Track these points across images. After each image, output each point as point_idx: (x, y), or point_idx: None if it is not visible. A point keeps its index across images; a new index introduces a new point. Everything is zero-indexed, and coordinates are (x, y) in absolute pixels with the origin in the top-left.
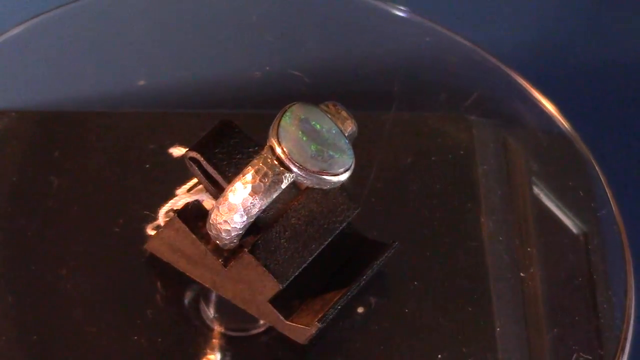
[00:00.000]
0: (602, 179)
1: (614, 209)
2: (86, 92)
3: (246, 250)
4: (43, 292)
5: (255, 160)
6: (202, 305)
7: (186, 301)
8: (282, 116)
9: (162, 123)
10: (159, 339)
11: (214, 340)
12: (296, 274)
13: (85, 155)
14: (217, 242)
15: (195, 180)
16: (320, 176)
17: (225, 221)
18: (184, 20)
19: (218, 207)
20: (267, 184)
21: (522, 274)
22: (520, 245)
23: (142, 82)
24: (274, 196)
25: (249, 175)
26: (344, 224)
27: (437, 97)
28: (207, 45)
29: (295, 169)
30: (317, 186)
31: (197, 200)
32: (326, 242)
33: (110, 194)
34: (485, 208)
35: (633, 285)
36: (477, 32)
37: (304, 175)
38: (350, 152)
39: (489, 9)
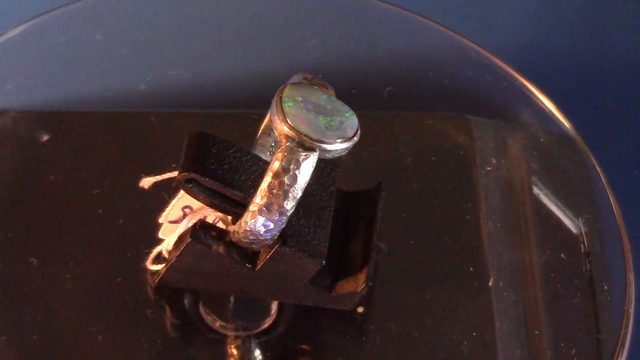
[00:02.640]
0: (602, 178)
1: (614, 208)
2: (86, 92)
3: (277, 244)
4: (43, 292)
5: (279, 154)
6: (202, 306)
7: (186, 301)
8: (281, 103)
9: (163, 123)
10: (159, 339)
11: (213, 341)
12: (327, 246)
13: (85, 155)
14: (253, 246)
15: (173, 202)
16: (341, 144)
17: (267, 222)
18: (184, 20)
19: (254, 212)
20: (299, 170)
21: (521, 274)
22: (520, 246)
23: (142, 87)
24: (308, 180)
25: (279, 169)
26: (336, 184)
27: (437, 97)
28: (207, 45)
29: (319, 147)
30: (337, 155)
31: (199, 219)
32: (332, 207)
33: (110, 193)
34: (485, 208)
35: (633, 285)
36: (477, 31)
37: (327, 149)
38: (350, 110)
39: (489, 8)
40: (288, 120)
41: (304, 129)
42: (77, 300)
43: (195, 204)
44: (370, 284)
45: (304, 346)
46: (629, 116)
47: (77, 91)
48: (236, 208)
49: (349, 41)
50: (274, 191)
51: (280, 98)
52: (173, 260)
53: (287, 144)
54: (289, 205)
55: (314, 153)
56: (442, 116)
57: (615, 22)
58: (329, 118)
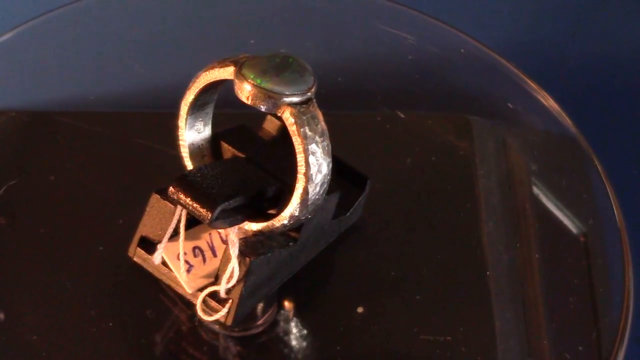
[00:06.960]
0: (603, 178)
1: (614, 209)
2: (86, 92)
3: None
4: (43, 292)
5: (294, 126)
6: None
7: None
8: (255, 84)
9: (162, 123)
10: (159, 339)
11: (213, 340)
12: None
13: (85, 155)
14: (309, 216)
15: (182, 261)
16: (315, 81)
17: (323, 180)
18: (184, 20)
19: (312, 183)
20: (317, 121)
21: (521, 274)
22: (520, 245)
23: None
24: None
25: (307, 132)
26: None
27: (437, 97)
28: (207, 45)
29: (312, 95)
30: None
31: (239, 239)
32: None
33: (110, 193)
34: (485, 208)
35: (632, 285)
36: (477, 31)
37: (314, 90)
38: (289, 54)
39: (489, 7)
40: (276, 93)
41: (293, 90)
42: (77, 300)
43: (187, 246)
44: (368, 179)
45: (303, 346)
46: (630, 116)
47: (77, 91)
48: (263, 203)
49: (348, 41)
50: (316, 153)
51: (249, 80)
52: (241, 291)
53: (294, 111)
54: (330, 153)
55: (313, 103)
56: (442, 116)
57: (616, 20)
58: (292, 70)
